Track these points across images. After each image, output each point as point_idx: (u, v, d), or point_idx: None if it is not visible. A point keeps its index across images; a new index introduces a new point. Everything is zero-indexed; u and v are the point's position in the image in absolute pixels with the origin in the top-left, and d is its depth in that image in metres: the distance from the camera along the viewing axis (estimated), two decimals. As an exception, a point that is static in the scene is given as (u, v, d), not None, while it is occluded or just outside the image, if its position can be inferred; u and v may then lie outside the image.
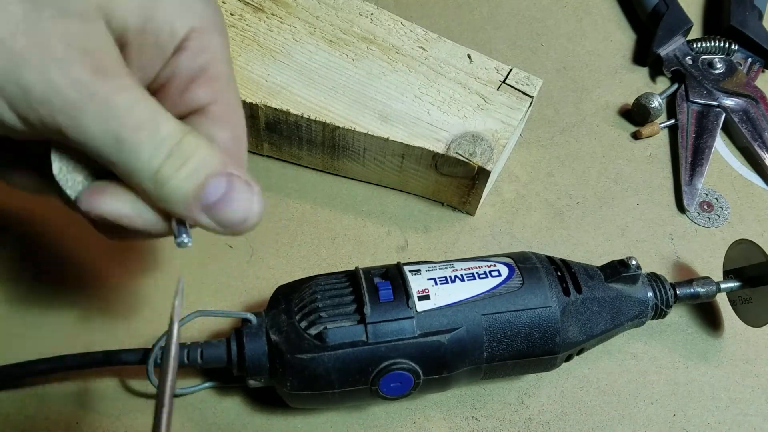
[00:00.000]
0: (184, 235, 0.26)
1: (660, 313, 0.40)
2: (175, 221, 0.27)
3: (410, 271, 0.36)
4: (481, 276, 0.36)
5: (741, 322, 0.42)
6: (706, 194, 0.50)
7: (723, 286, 0.41)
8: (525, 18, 0.58)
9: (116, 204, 0.26)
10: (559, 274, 0.37)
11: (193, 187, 0.25)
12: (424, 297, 0.34)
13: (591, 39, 0.58)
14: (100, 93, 0.23)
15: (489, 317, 0.35)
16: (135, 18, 0.25)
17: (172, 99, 0.28)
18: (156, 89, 0.28)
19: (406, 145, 0.42)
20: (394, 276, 0.35)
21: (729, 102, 0.53)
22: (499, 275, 0.36)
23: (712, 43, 0.56)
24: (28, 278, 0.40)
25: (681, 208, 0.49)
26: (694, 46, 0.55)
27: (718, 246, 0.47)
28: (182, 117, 0.28)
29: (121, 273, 0.41)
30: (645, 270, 0.41)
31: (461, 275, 0.36)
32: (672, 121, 0.53)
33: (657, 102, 0.51)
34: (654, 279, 0.40)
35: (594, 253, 0.46)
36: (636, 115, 0.53)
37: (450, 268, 0.36)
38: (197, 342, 0.35)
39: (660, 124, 0.52)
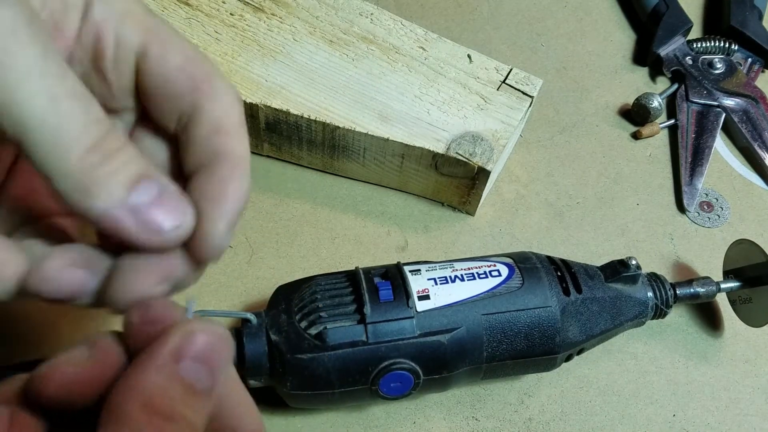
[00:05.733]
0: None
1: (660, 313, 0.40)
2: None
3: (410, 271, 0.36)
4: (481, 276, 0.36)
5: (741, 322, 0.42)
6: (706, 194, 0.50)
7: (723, 286, 0.41)
8: (525, 18, 0.58)
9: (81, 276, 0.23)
10: (559, 274, 0.37)
11: (124, 180, 0.21)
12: (424, 297, 0.34)
13: (591, 39, 0.58)
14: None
15: (489, 317, 0.35)
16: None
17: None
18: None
19: (406, 145, 0.42)
20: (394, 276, 0.35)
21: (729, 102, 0.53)
22: (499, 275, 0.36)
23: (712, 43, 0.56)
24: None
25: (681, 208, 0.49)
26: (694, 46, 0.55)
27: (718, 246, 0.47)
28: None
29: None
30: (645, 270, 0.41)
31: (461, 275, 0.36)
32: (672, 121, 0.53)
33: (657, 102, 0.51)
34: (654, 279, 0.40)
35: (594, 253, 0.46)
36: (636, 115, 0.53)
37: (450, 268, 0.36)
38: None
39: (660, 124, 0.52)
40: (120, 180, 0.21)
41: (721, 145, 0.53)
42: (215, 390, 0.20)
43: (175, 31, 0.25)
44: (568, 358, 0.38)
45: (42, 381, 0.21)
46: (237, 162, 0.24)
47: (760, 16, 0.57)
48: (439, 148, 0.42)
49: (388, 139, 0.42)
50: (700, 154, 0.51)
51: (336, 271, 0.37)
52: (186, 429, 0.19)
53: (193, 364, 0.20)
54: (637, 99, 0.52)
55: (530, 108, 0.45)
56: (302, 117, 0.43)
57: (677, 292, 0.40)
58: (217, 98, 0.24)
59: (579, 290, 0.37)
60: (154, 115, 0.25)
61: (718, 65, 0.54)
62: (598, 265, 0.40)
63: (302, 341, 0.33)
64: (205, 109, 0.24)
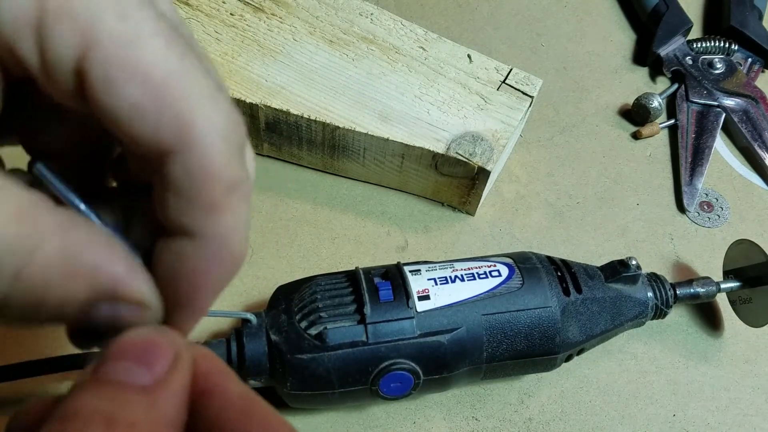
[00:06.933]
0: None
1: (660, 313, 0.40)
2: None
3: (410, 272, 0.36)
4: (481, 276, 0.36)
5: (741, 322, 0.42)
6: (706, 194, 0.50)
7: (723, 286, 0.41)
8: (525, 18, 0.58)
9: None
10: (559, 274, 0.37)
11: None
12: (424, 297, 0.34)
13: (591, 39, 0.58)
14: None
15: (489, 317, 0.35)
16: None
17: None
18: None
19: (406, 145, 0.42)
20: (394, 276, 0.35)
21: (729, 102, 0.53)
22: (499, 275, 0.36)
23: (712, 43, 0.56)
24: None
25: (681, 208, 0.49)
26: (694, 46, 0.55)
27: (718, 246, 0.47)
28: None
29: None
30: (645, 270, 0.41)
31: (461, 275, 0.36)
32: (672, 121, 0.53)
33: (657, 102, 0.51)
34: (654, 279, 0.40)
35: (594, 253, 0.46)
36: (636, 115, 0.53)
37: (450, 268, 0.36)
38: (197, 342, 0.35)
39: (660, 124, 0.52)
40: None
41: (721, 145, 0.53)
42: (172, 381, 0.17)
43: (139, 23, 0.16)
44: (568, 359, 0.38)
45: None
46: (221, 240, 0.18)
47: (760, 16, 0.57)
48: (439, 148, 0.42)
49: (388, 139, 0.42)
50: (700, 154, 0.51)
51: (336, 271, 0.37)
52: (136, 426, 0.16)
53: (117, 364, 0.16)
54: (637, 99, 0.52)
55: (530, 108, 0.45)
56: (302, 117, 0.43)
57: (677, 292, 0.40)
58: (198, 142, 0.16)
59: (579, 290, 0.37)
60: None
61: (718, 65, 0.54)
62: (598, 265, 0.40)
63: (302, 341, 0.33)
64: (181, 159, 0.17)
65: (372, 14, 0.47)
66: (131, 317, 0.18)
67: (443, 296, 0.35)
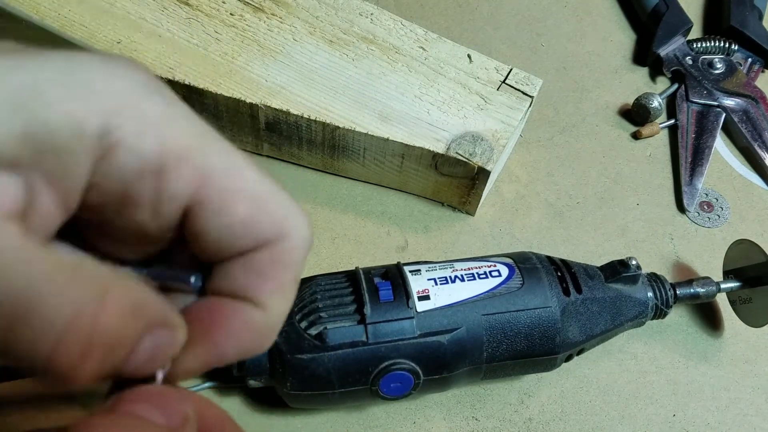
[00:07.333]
0: None
1: (660, 313, 0.40)
2: None
3: (410, 272, 0.36)
4: (481, 276, 0.36)
5: (741, 322, 0.42)
6: (706, 194, 0.50)
7: (723, 286, 0.41)
8: (525, 18, 0.58)
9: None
10: (559, 274, 0.37)
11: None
12: (424, 297, 0.34)
13: (591, 39, 0.58)
14: None
15: (489, 317, 0.35)
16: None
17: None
18: None
19: (406, 145, 0.42)
20: (394, 276, 0.35)
21: (729, 102, 0.53)
22: (499, 275, 0.36)
23: (712, 43, 0.55)
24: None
25: (681, 208, 0.49)
26: (694, 46, 0.55)
27: (718, 246, 0.47)
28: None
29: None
30: (645, 270, 0.41)
31: (461, 275, 0.36)
32: (672, 121, 0.53)
33: (657, 102, 0.51)
34: (654, 279, 0.40)
35: (594, 253, 0.46)
36: (636, 115, 0.53)
37: (450, 268, 0.36)
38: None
39: (660, 124, 0.52)
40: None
41: (721, 145, 0.53)
42: (187, 428, 0.18)
43: (236, 159, 0.19)
44: (568, 359, 0.38)
45: None
46: (271, 314, 0.20)
47: (760, 16, 0.57)
48: (439, 148, 0.42)
49: (388, 139, 0.42)
50: (700, 154, 0.51)
51: (336, 271, 0.37)
52: None
53: (137, 405, 0.18)
54: (637, 99, 0.52)
55: (530, 108, 0.45)
56: (302, 117, 0.43)
57: (677, 292, 0.40)
58: (291, 238, 0.20)
59: (579, 290, 0.37)
60: (194, 248, 0.20)
61: (718, 65, 0.54)
62: (598, 265, 0.40)
63: (302, 341, 0.33)
64: (271, 249, 0.20)
65: (372, 14, 0.47)
66: (169, 344, 0.19)
67: (443, 296, 0.35)
